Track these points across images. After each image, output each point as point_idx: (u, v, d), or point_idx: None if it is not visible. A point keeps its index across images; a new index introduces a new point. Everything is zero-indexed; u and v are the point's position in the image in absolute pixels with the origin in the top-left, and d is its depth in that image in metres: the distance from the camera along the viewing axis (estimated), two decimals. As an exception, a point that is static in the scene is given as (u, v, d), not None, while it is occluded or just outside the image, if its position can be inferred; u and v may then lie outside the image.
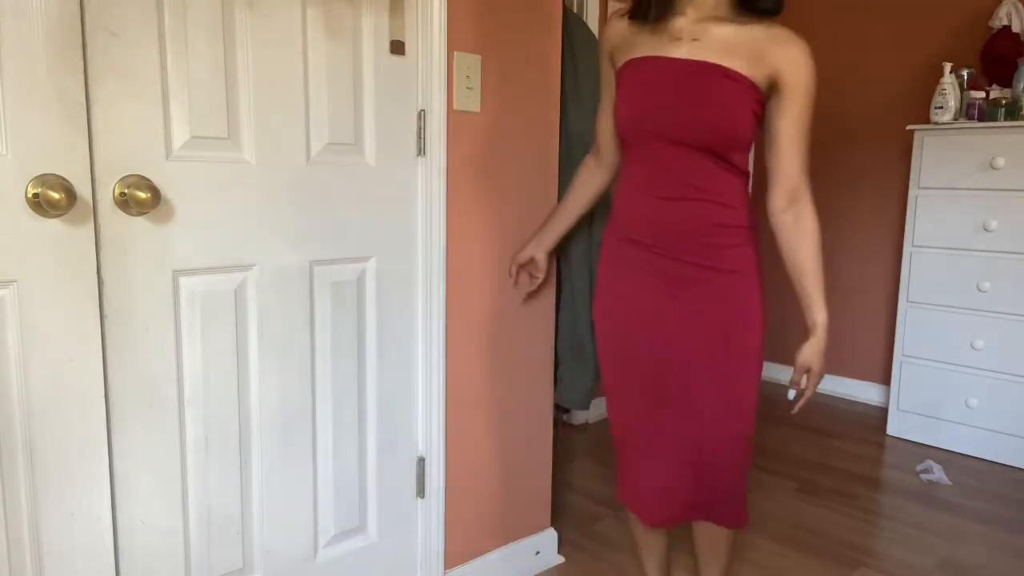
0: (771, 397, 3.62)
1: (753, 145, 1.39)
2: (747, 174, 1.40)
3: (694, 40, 1.32)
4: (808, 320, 1.37)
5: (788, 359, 3.83)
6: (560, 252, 1.91)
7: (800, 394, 1.39)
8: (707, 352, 1.38)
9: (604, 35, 1.45)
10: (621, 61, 1.41)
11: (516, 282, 1.77)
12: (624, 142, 1.42)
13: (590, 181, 1.59)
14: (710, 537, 1.58)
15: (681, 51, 1.32)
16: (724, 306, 1.37)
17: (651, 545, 1.69)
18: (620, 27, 1.41)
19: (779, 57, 1.29)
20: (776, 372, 3.89)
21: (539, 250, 1.67)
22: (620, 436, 1.53)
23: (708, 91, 1.30)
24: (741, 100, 1.30)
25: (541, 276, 1.72)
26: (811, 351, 1.36)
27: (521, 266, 1.72)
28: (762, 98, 1.32)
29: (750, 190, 1.43)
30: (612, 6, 3.10)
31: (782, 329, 3.80)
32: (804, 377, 1.38)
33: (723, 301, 1.37)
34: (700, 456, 1.44)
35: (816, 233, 1.35)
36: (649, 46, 1.36)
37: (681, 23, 1.33)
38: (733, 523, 1.51)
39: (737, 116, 1.30)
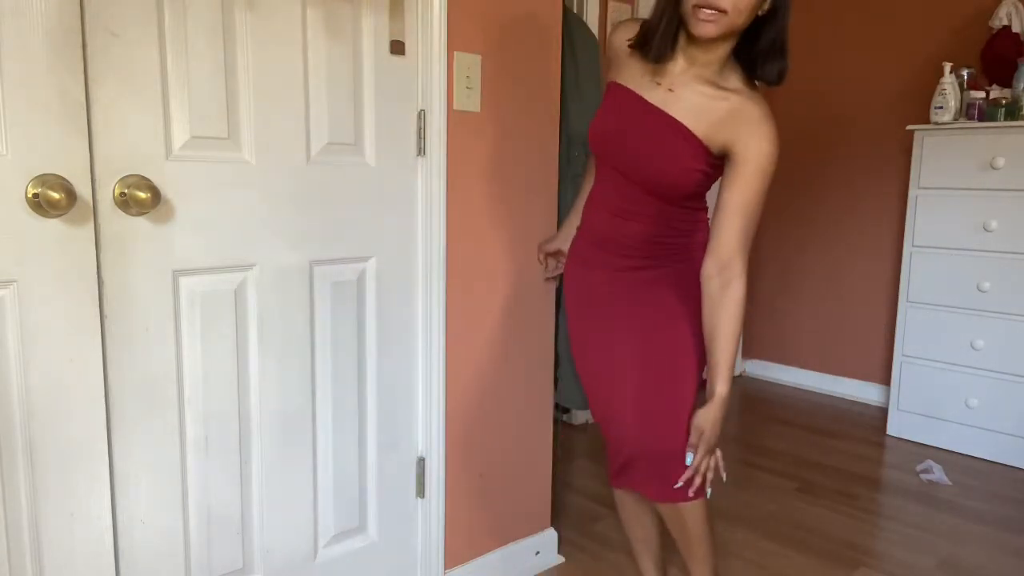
0: (772, 397, 3.62)
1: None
2: (702, 208, 1.46)
3: (669, 91, 1.35)
4: (708, 388, 1.38)
5: (786, 359, 3.84)
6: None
7: (696, 461, 1.40)
8: (639, 321, 1.46)
9: (610, 40, 1.49)
10: (611, 76, 1.46)
11: (546, 266, 1.85)
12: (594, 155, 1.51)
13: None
14: (672, 523, 1.54)
15: (655, 97, 1.36)
16: (655, 291, 1.45)
17: (641, 540, 1.71)
18: (623, 44, 1.44)
19: (738, 133, 1.30)
20: (777, 372, 3.89)
21: (565, 243, 1.73)
22: (591, 411, 1.59)
23: (660, 145, 1.35)
24: (687, 161, 1.34)
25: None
26: (705, 417, 1.37)
27: (549, 254, 1.82)
28: (714, 161, 1.35)
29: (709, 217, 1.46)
30: (613, 7, 3.10)
31: (780, 328, 3.82)
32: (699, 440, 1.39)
33: (656, 285, 1.45)
34: (638, 417, 1.45)
35: (738, 309, 1.35)
36: (634, 77, 1.40)
37: (669, 68, 1.36)
38: (661, 496, 1.49)
39: (679, 175, 1.35)
